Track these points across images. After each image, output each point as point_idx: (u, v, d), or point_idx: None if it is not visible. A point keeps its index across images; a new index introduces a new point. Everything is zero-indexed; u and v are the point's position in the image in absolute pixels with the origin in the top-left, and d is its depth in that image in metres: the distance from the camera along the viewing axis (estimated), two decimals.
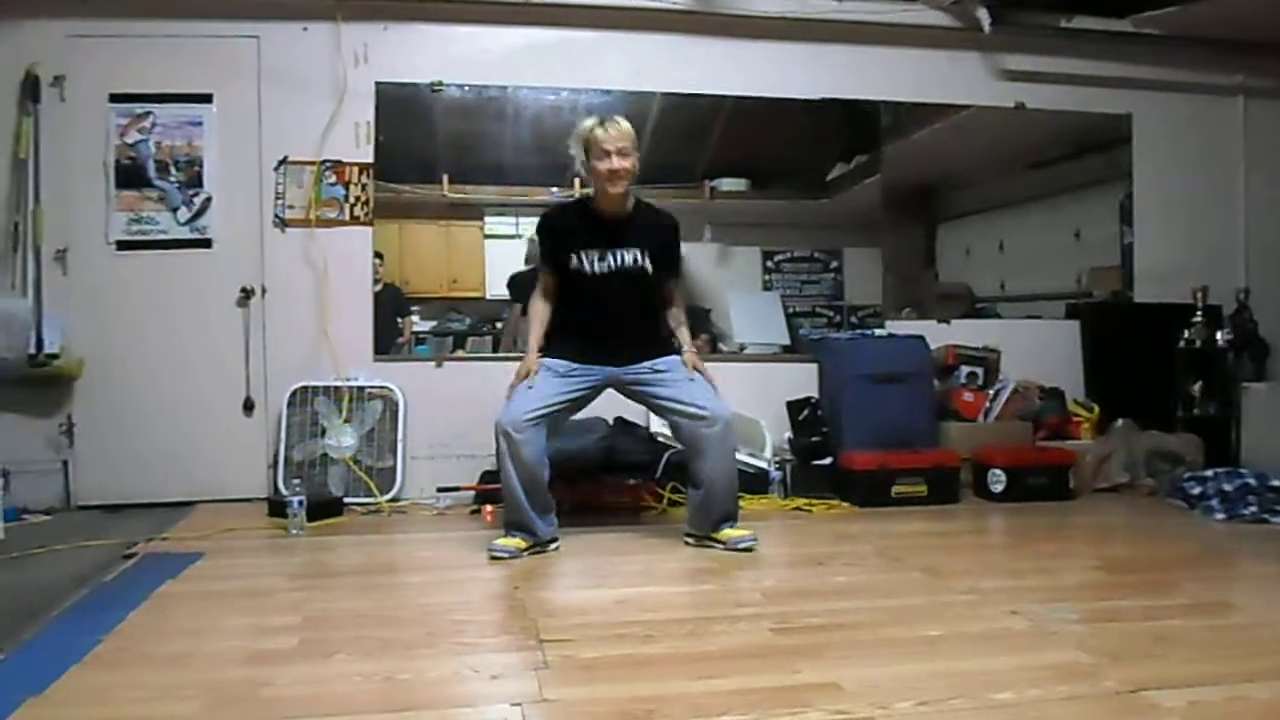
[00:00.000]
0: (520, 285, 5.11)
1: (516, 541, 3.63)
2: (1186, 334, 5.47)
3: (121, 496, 4.67)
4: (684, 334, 3.93)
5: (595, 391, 3.84)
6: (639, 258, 3.71)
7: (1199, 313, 5.46)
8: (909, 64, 5.48)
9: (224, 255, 4.85)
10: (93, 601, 3.09)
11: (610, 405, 4.85)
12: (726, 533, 3.77)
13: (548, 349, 3.79)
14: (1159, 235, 5.78)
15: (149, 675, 2.40)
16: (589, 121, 3.68)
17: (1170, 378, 5.48)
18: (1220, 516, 4.39)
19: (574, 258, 3.70)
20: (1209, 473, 4.67)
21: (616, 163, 3.60)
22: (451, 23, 5.03)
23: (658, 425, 4.69)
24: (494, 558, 3.56)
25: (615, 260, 3.70)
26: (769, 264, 5.45)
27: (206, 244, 4.85)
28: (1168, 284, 5.68)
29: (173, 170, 4.83)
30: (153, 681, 2.35)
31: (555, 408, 3.69)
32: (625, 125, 3.66)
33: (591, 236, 3.72)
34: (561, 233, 3.79)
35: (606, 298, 3.72)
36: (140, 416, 4.74)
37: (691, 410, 3.69)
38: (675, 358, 3.81)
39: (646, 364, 3.75)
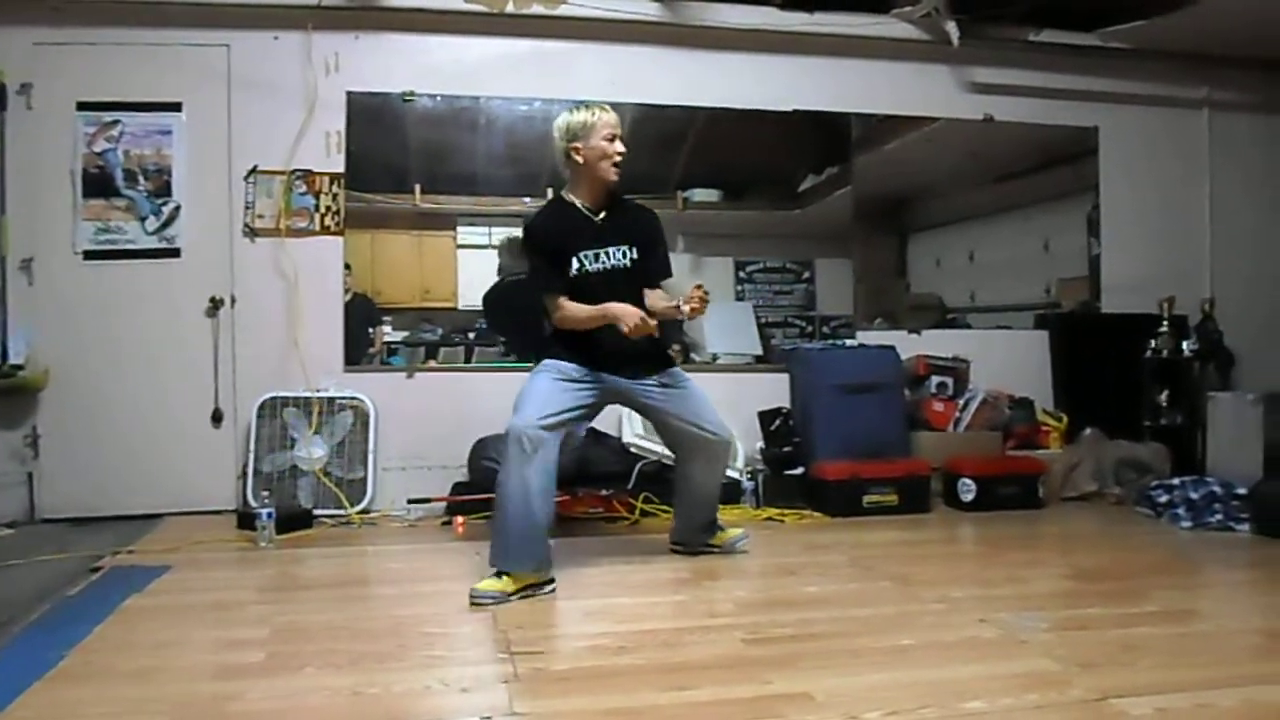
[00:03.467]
0: (495, 306, 5.11)
1: (503, 584, 3.20)
2: (1153, 344, 5.54)
3: (87, 509, 4.61)
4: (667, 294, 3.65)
5: (603, 403, 3.64)
6: (628, 253, 3.54)
7: (1165, 323, 5.54)
8: (879, 76, 5.53)
9: (193, 265, 4.80)
10: (57, 616, 3.04)
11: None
12: (721, 535, 3.82)
13: (554, 354, 3.52)
14: (1126, 246, 5.86)
15: (115, 690, 2.37)
16: (581, 112, 3.46)
17: (1137, 387, 5.54)
18: (1187, 524, 4.44)
19: (574, 261, 3.50)
20: (1176, 481, 4.72)
21: (620, 146, 3.45)
22: (423, 32, 5.02)
23: (629, 436, 4.69)
24: (476, 604, 3.12)
25: (608, 259, 3.52)
26: (741, 274, 5.47)
27: (175, 253, 4.81)
28: (1135, 295, 5.75)
29: (141, 179, 4.79)
30: (119, 696, 2.32)
31: (572, 414, 3.45)
32: (612, 112, 3.51)
33: (582, 236, 3.52)
34: (558, 236, 3.53)
35: (605, 300, 3.47)
36: (107, 428, 4.69)
37: (703, 429, 3.62)
38: (678, 371, 3.68)
39: (654, 379, 3.59)
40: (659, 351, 3.69)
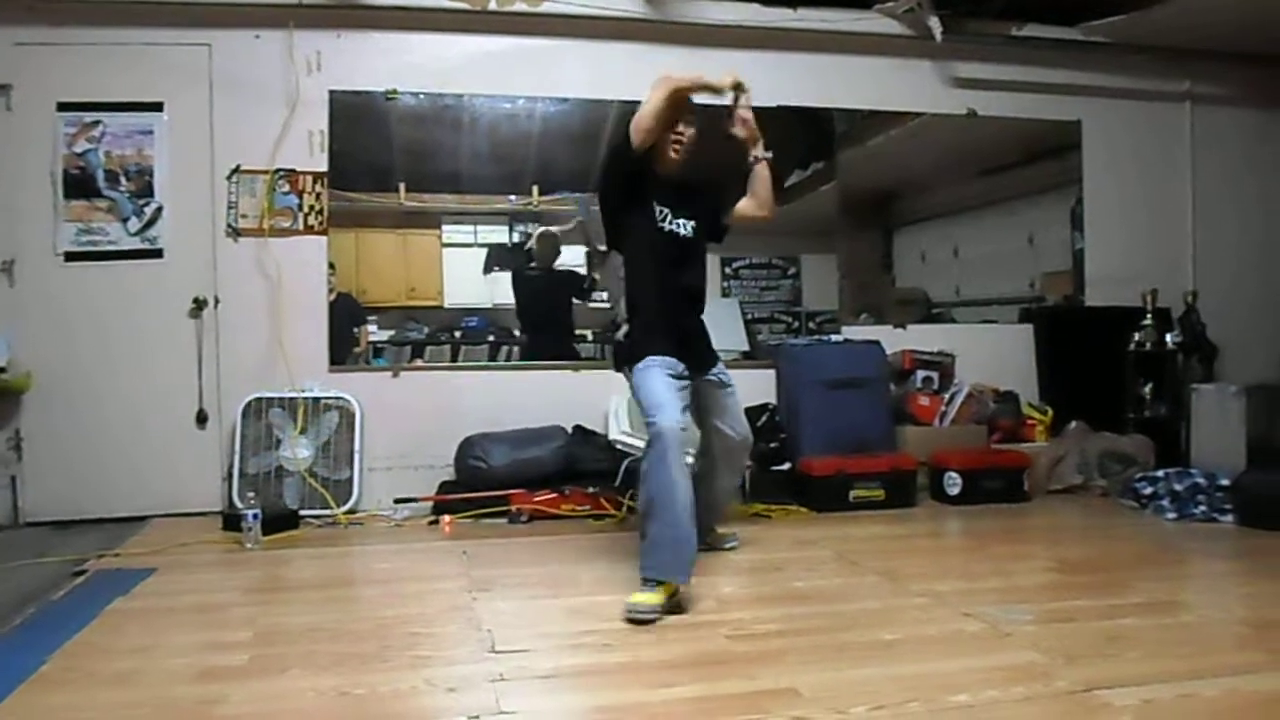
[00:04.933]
0: (527, 294, 5.16)
1: (659, 596, 2.98)
2: (1137, 337, 5.57)
3: (71, 512, 4.59)
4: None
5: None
6: (685, 224, 3.55)
7: (1149, 316, 5.56)
8: (863, 72, 5.54)
9: (176, 266, 4.78)
10: (41, 620, 3.03)
11: (569, 413, 4.88)
12: (714, 535, 3.84)
13: (653, 348, 3.40)
14: (1109, 240, 5.88)
15: (98, 694, 2.36)
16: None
17: (1121, 380, 5.57)
18: (1171, 516, 4.47)
19: (654, 206, 3.48)
20: (1160, 473, 4.75)
21: (682, 128, 3.50)
22: (406, 30, 5.00)
23: (616, 433, 4.69)
24: (637, 619, 2.89)
25: (672, 224, 3.52)
26: (727, 270, 5.47)
27: (158, 254, 4.78)
28: (1118, 288, 5.77)
29: (123, 180, 4.77)
30: (102, 701, 2.32)
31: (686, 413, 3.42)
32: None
33: (659, 192, 3.52)
34: (641, 168, 3.48)
35: (677, 263, 3.51)
36: (91, 430, 4.66)
37: (738, 432, 3.66)
38: (724, 369, 3.68)
39: (714, 372, 3.62)
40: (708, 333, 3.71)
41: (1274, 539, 4.01)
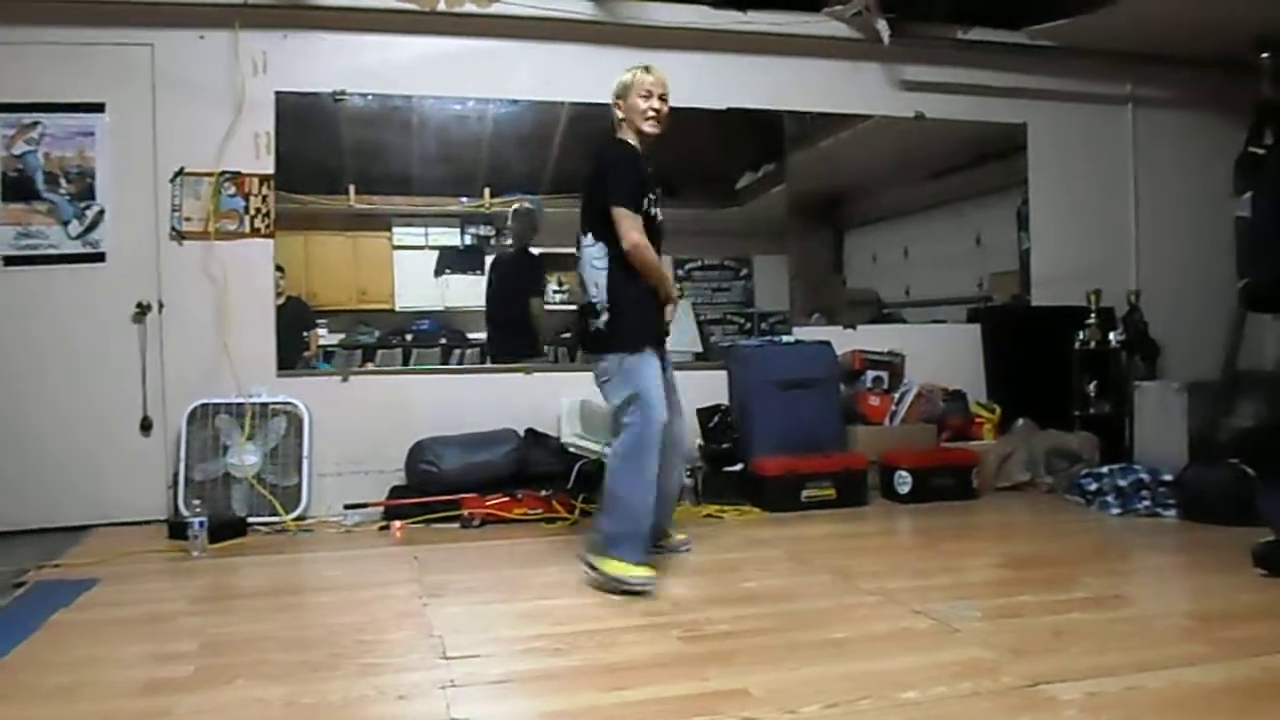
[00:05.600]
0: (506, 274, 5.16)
1: (648, 570, 3.30)
2: (1081, 335, 5.66)
3: (11, 522, 4.46)
4: None
5: None
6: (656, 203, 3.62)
7: (1093, 315, 5.65)
8: (812, 74, 5.57)
9: (118, 269, 4.68)
10: None
11: (521, 416, 4.85)
12: (669, 538, 3.83)
13: (647, 335, 3.49)
14: (1054, 240, 5.98)
15: (39, 709, 2.31)
16: (626, 73, 3.63)
17: (1067, 378, 5.65)
18: (1116, 511, 4.55)
19: (646, 200, 3.53)
20: (1105, 469, 4.83)
21: (657, 103, 3.58)
22: (354, 31, 4.94)
23: (568, 435, 4.67)
24: (636, 592, 3.18)
25: (655, 208, 3.59)
26: (680, 272, 5.47)
27: (100, 258, 4.68)
28: (1063, 287, 5.86)
29: (63, 182, 4.66)
30: (44, 715, 2.27)
31: None
32: (665, 74, 3.65)
33: (649, 179, 3.58)
34: (643, 170, 3.56)
35: (658, 246, 3.57)
36: (31, 438, 4.55)
37: (682, 414, 3.71)
38: None
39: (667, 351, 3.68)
40: None
41: (1215, 532, 4.09)
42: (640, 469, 3.32)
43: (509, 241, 5.19)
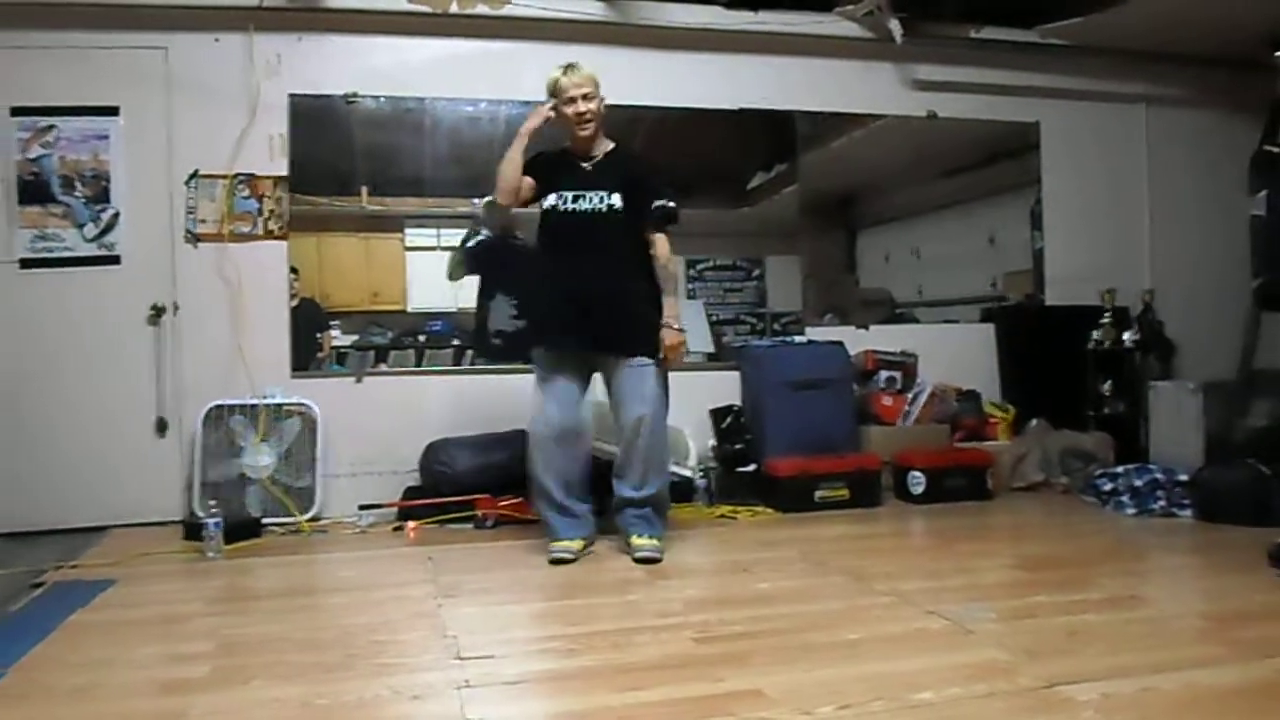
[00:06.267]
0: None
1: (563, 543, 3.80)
2: (1095, 335, 5.64)
3: (28, 523, 4.49)
4: (668, 303, 3.81)
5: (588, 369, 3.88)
6: (605, 198, 3.74)
7: (1107, 314, 5.64)
8: (824, 74, 5.57)
9: (133, 272, 4.71)
10: None
11: None
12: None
13: (531, 332, 4.00)
14: (1068, 240, 5.96)
15: (56, 709, 2.32)
16: (554, 72, 3.79)
17: (1081, 378, 5.63)
18: (1131, 511, 4.53)
19: (551, 197, 3.77)
20: (1120, 469, 4.81)
21: (582, 105, 3.72)
22: (367, 33, 4.96)
23: None
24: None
25: (586, 201, 3.74)
26: (692, 272, 5.47)
27: (115, 260, 4.71)
28: (1077, 287, 5.85)
29: (78, 185, 4.69)
30: (61, 715, 2.28)
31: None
32: (587, 70, 3.78)
33: (565, 176, 3.79)
34: (546, 165, 3.83)
35: (582, 242, 3.73)
36: (48, 439, 4.58)
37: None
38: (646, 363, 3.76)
39: (625, 359, 3.75)
40: (635, 315, 3.87)
41: (1231, 533, 4.06)
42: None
43: (484, 234, 5.14)
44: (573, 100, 3.72)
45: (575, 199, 3.74)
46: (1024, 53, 5.75)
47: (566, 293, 3.73)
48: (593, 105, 3.75)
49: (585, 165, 3.81)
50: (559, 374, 3.78)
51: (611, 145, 3.89)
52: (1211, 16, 5.24)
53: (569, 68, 3.77)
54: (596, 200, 3.74)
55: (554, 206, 3.76)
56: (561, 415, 3.77)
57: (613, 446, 4.33)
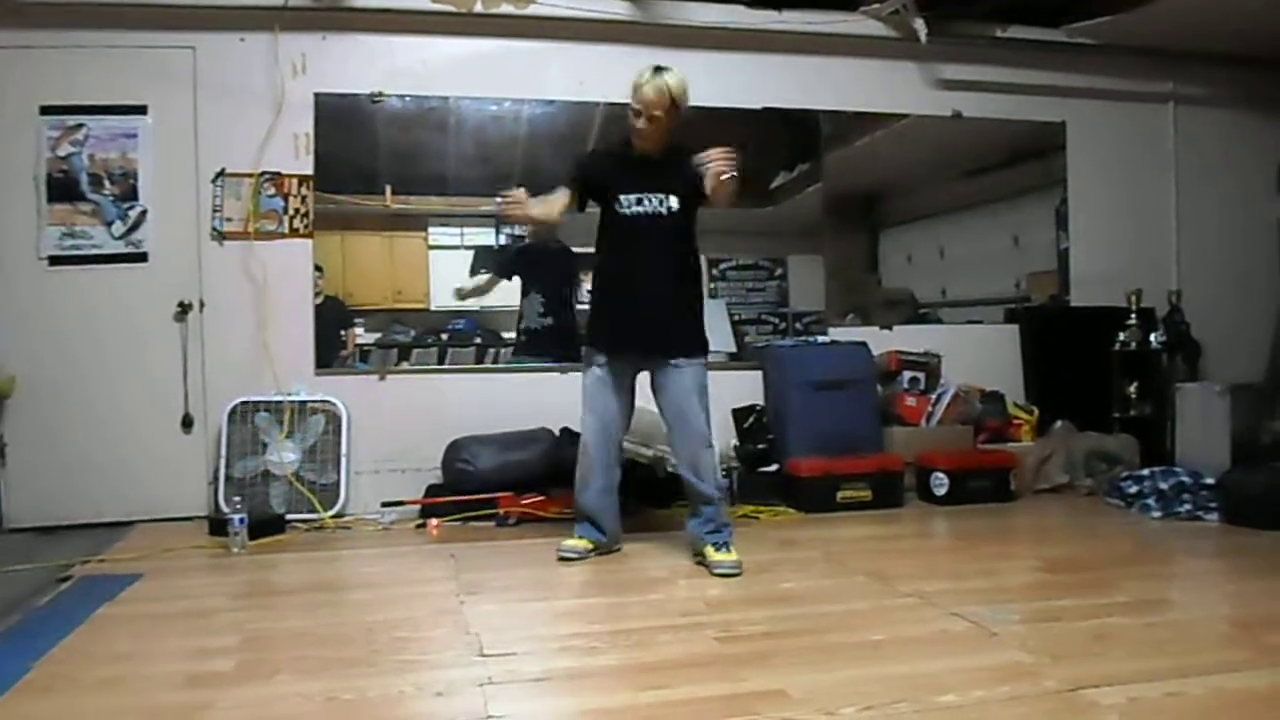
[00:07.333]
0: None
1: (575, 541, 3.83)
2: (1121, 336, 5.60)
3: (56, 518, 4.56)
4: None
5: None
6: (664, 200, 3.69)
7: (1133, 315, 5.59)
8: (848, 73, 5.55)
9: (160, 269, 4.75)
10: (26, 627, 3.01)
11: (557, 415, 4.84)
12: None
13: (589, 335, 3.87)
14: (1094, 240, 5.91)
15: (83, 701, 2.34)
16: (644, 74, 3.66)
17: (1106, 379, 5.59)
18: (1156, 515, 4.49)
19: (617, 201, 3.71)
20: (1145, 472, 4.77)
21: (640, 123, 3.66)
22: (391, 33, 4.98)
23: None
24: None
25: (648, 204, 3.70)
26: (714, 272, 5.47)
27: (142, 258, 4.75)
28: (1103, 288, 5.80)
29: (107, 183, 4.74)
30: (87, 708, 2.30)
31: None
32: (660, 91, 3.61)
33: (625, 177, 3.73)
34: (599, 169, 3.84)
35: (642, 246, 3.69)
36: (75, 435, 4.63)
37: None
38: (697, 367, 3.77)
39: (672, 360, 3.73)
40: (686, 319, 3.90)
41: (1258, 536, 4.03)
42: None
43: (526, 239, 5.21)
44: (638, 114, 3.65)
45: (638, 202, 3.69)
46: (1050, 52, 5.71)
47: (624, 297, 3.72)
48: (650, 127, 3.65)
49: (645, 164, 3.73)
50: (610, 375, 3.75)
51: (673, 144, 3.79)
52: (1240, 14, 5.19)
53: (657, 71, 3.64)
54: (656, 203, 3.68)
55: (615, 210, 3.71)
56: (608, 416, 3.77)
57: (645, 447, 4.34)
